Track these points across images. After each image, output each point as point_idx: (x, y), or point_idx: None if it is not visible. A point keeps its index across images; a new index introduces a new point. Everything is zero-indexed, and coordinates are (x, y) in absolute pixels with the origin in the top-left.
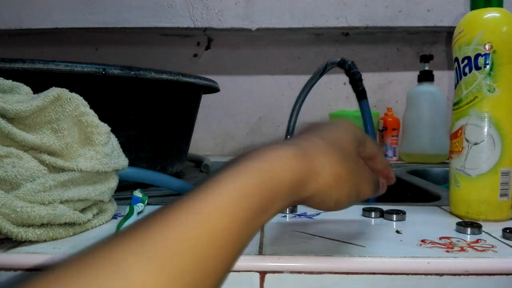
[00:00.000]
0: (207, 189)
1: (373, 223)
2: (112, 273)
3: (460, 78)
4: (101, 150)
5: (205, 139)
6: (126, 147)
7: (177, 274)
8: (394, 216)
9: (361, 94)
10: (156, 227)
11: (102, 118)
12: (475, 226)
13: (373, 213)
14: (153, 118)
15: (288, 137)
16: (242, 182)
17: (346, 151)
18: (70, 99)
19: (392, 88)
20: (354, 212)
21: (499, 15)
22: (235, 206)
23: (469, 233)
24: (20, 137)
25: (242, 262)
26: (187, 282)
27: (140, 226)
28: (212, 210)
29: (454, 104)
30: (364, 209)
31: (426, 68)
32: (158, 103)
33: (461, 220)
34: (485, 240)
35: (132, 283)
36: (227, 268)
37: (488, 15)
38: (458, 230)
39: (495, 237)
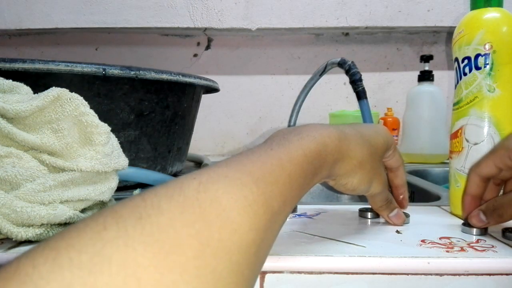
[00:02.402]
0: (282, 144)
1: (369, 223)
2: (229, 183)
3: (460, 78)
4: (101, 150)
5: (205, 139)
6: (126, 147)
7: (271, 195)
8: (368, 213)
9: (361, 94)
10: (254, 162)
11: (102, 118)
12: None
13: (369, 213)
14: (153, 118)
15: None
16: (306, 146)
17: (375, 149)
18: (70, 99)
19: (392, 88)
20: (352, 212)
21: (499, 15)
22: (302, 162)
23: (474, 233)
24: (20, 137)
25: None
26: (275, 203)
27: (241, 160)
28: (289, 159)
29: (454, 104)
30: (360, 210)
31: (426, 68)
32: (158, 103)
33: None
34: (485, 240)
35: (240, 192)
36: (292, 207)
37: (488, 15)
38: (463, 231)
39: (495, 237)
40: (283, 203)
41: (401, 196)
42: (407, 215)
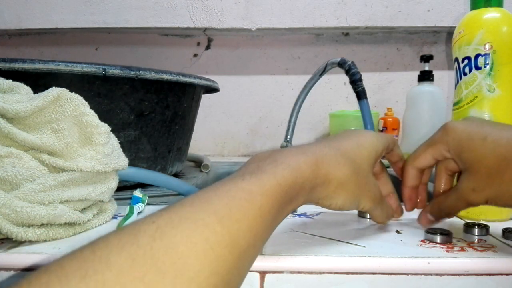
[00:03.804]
0: (255, 175)
1: (369, 223)
2: (190, 227)
3: (460, 78)
4: (101, 150)
5: (205, 139)
6: (126, 147)
7: (237, 234)
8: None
9: (361, 94)
10: (221, 197)
11: (102, 118)
12: (482, 227)
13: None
14: (153, 118)
15: (288, 137)
16: (281, 175)
17: (359, 165)
18: (70, 99)
19: (392, 88)
20: (352, 212)
21: (499, 15)
22: (277, 192)
23: (476, 234)
24: (20, 137)
25: None
26: (243, 241)
27: (205, 195)
28: (260, 191)
29: (454, 104)
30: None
31: (426, 68)
32: (158, 103)
33: (468, 221)
34: (485, 240)
35: (203, 235)
36: (267, 238)
37: (488, 15)
38: (465, 231)
39: (495, 237)
40: (253, 238)
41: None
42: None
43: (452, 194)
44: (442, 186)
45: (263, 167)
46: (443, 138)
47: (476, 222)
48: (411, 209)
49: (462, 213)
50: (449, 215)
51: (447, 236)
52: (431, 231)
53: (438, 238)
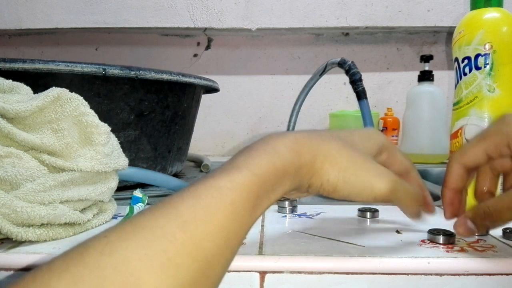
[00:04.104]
0: (227, 170)
1: (369, 223)
2: (152, 237)
3: (460, 78)
4: (101, 150)
5: (205, 139)
6: (126, 147)
7: (201, 238)
8: (368, 213)
9: (361, 94)
10: (185, 200)
11: (102, 118)
12: None
13: (368, 213)
14: (153, 118)
15: None
16: (254, 164)
17: (351, 143)
18: (70, 99)
19: (392, 88)
20: (352, 212)
21: (499, 15)
22: (249, 183)
23: (476, 234)
24: (20, 137)
25: (242, 262)
26: (209, 245)
27: (172, 199)
28: (230, 186)
29: (454, 104)
30: (360, 210)
31: (426, 68)
32: (158, 103)
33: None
34: (485, 240)
35: (160, 246)
36: (245, 233)
37: (488, 15)
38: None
39: (495, 237)
40: (226, 238)
41: (424, 200)
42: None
43: (507, 196)
44: (485, 188)
45: (237, 160)
46: (502, 129)
47: None
48: (452, 216)
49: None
50: (496, 222)
51: (450, 237)
52: (434, 231)
53: (441, 239)
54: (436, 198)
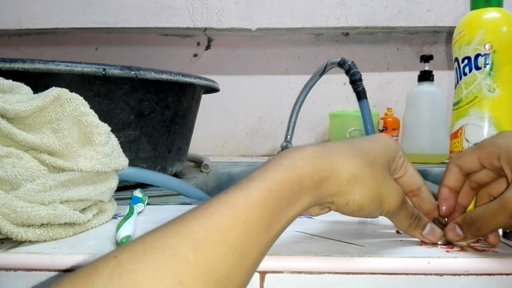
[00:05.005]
0: (241, 185)
1: (369, 223)
2: (163, 259)
3: (460, 78)
4: (101, 150)
5: (205, 139)
6: (126, 147)
7: (214, 258)
8: None
9: (361, 94)
10: (197, 219)
11: (102, 118)
12: None
13: None
14: (153, 118)
15: (288, 137)
16: (270, 179)
17: (372, 158)
18: (70, 99)
19: (392, 88)
20: None
21: (499, 15)
22: (264, 199)
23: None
24: (20, 137)
25: None
26: (222, 265)
27: (184, 218)
28: (244, 203)
29: (454, 104)
30: None
31: (426, 68)
32: (158, 103)
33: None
34: (485, 240)
35: (171, 268)
36: (260, 253)
37: (488, 15)
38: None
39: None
40: (239, 259)
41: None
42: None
43: (492, 205)
44: (463, 199)
45: (253, 174)
46: (496, 141)
47: None
48: (446, 213)
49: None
50: (481, 230)
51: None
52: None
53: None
54: (436, 198)
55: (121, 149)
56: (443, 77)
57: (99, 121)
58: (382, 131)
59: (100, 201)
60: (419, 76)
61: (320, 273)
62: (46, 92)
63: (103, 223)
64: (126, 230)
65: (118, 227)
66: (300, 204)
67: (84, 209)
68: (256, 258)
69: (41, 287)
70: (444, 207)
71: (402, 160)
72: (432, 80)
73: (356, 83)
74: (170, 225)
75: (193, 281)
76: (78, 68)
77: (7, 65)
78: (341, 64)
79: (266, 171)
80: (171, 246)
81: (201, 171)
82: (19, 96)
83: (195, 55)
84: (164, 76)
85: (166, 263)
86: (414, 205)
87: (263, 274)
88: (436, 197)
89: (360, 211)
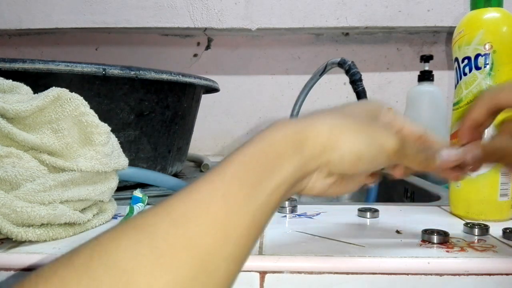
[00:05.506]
0: (218, 165)
1: (369, 223)
2: (143, 236)
3: (460, 78)
4: (101, 150)
5: (205, 139)
6: (126, 147)
7: (193, 235)
8: (368, 213)
9: (361, 94)
10: (179, 196)
11: (102, 118)
12: (482, 227)
13: (368, 213)
14: (153, 118)
15: None
16: (246, 151)
17: (352, 112)
18: (70, 99)
19: (392, 88)
20: (352, 212)
21: (499, 15)
22: (241, 171)
23: (476, 234)
24: (20, 137)
25: None
26: (202, 242)
27: (170, 197)
28: (221, 178)
29: (454, 104)
30: (360, 209)
31: (426, 68)
32: (158, 103)
33: (468, 221)
34: (485, 240)
35: (153, 243)
36: (247, 227)
37: (488, 15)
38: (465, 231)
39: (495, 237)
40: (223, 231)
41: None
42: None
43: (498, 138)
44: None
45: (232, 152)
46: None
47: (476, 222)
48: (467, 139)
49: (462, 212)
50: (483, 160)
51: (444, 236)
52: (428, 231)
53: (434, 238)
54: (436, 198)
55: (121, 149)
56: (443, 77)
57: (99, 121)
58: None
59: (100, 201)
60: (419, 76)
61: (320, 273)
62: (46, 92)
63: (103, 223)
64: None
65: None
66: (282, 172)
67: (84, 209)
68: (242, 233)
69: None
70: (464, 135)
71: (392, 113)
72: (432, 80)
73: (356, 83)
74: (151, 208)
75: (174, 256)
76: (78, 68)
77: (7, 65)
78: (341, 64)
79: (242, 147)
80: (151, 224)
81: (201, 171)
82: (19, 96)
83: (195, 55)
84: (164, 76)
85: (146, 239)
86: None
87: (263, 274)
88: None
89: (361, 160)
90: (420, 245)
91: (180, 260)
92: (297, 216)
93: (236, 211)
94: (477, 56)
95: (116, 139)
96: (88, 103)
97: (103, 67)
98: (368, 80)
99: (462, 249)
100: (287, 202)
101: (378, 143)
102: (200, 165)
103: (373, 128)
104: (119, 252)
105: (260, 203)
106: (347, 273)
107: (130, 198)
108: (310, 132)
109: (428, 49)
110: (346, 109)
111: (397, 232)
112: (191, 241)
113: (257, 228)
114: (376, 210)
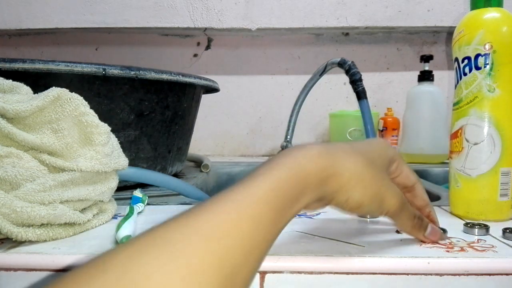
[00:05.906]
0: (246, 183)
1: (369, 223)
2: (167, 252)
3: (460, 78)
4: (101, 150)
5: (205, 139)
6: (126, 147)
7: (224, 251)
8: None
9: (361, 94)
10: (205, 213)
11: (102, 118)
12: (482, 227)
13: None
14: (153, 118)
15: (288, 137)
16: (276, 176)
17: (372, 159)
18: (70, 99)
19: (392, 88)
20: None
21: (499, 15)
22: (271, 197)
23: (476, 234)
24: (20, 137)
25: None
26: (232, 258)
27: (191, 212)
28: (252, 199)
29: (454, 104)
30: None
31: (426, 68)
32: (158, 103)
33: (468, 221)
34: (485, 240)
35: (182, 259)
36: (266, 248)
37: (488, 15)
38: (465, 231)
39: (495, 237)
40: (247, 253)
41: (428, 216)
42: (444, 231)
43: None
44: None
45: (257, 173)
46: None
47: (476, 222)
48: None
49: (462, 213)
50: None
51: (485, 230)
52: (469, 225)
53: (475, 231)
54: (436, 198)
55: (121, 149)
56: (443, 77)
57: (99, 121)
58: (382, 131)
59: (100, 201)
60: (419, 76)
61: (320, 273)
62: (46, 92)
63: (103, 223)
64: (126, 230)
65: (118, 227)
66: (305, 200)
67: (84, 209)
68: (261, 254)
69: (51, 280)
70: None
71: (398, 162)
72: (432, 80)
73: (356, 83)
74: (177, 220)
75: (202, 274)
76: (78, 68)
77: (7, 65)
78: (341, 64)
79: (271, 169)
80: (181, 239)
81: (201, 171)
82: (19, 96)
83: (195, 55)
84: (164, 76)
85: (177, 255)
86: (408, 199)
87: (263, 274)
88: (431, 195)
89: (358, 208)
90: (420, 245)
91: (209, 276)
92: (297, 216)
93: (262, 233)
94: (477, 56)
95: (116, 139)
96: (88, 103)
97: (103, 67)
98: (368, 80)
99: (462, 249)
100: None
101: (382, 201)
102: (200, 165)
103: (384, 185)
104: (149, 267)
105: (282, 226)
106: (347, 273)
107: (130, 198)
108: (337, 169)
109: (428, 49)
110: (369, 154)
111: (397, 232)
112: (218, 260)
113: (269, 249)
114: None
